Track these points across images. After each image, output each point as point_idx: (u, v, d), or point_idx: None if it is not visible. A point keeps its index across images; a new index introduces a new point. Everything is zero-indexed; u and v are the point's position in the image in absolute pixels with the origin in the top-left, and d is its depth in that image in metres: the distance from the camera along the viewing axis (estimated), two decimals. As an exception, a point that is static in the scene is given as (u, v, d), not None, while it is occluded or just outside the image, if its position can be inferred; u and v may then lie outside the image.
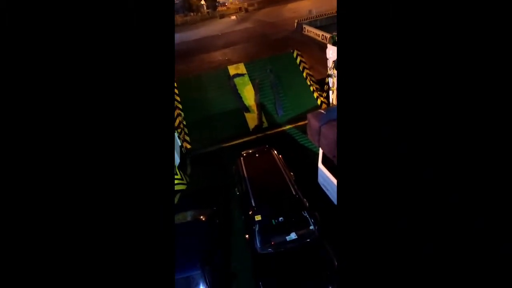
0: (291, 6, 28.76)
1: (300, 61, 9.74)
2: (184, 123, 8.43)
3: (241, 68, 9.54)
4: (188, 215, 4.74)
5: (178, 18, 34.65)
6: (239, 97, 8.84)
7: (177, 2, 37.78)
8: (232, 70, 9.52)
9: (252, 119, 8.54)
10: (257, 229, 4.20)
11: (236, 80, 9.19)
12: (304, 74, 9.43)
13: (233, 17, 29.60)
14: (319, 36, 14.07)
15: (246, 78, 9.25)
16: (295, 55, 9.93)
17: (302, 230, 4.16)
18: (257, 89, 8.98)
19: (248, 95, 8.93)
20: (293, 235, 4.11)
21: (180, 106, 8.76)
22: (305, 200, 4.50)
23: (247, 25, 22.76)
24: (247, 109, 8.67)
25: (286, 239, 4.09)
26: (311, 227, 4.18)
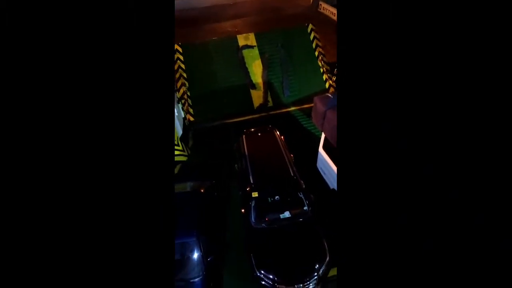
0: (309, -22, 26.84)
1: (314, 37, 9.10)
2: (188, 93, 8.20)
3: (251, 39, 8.91)
4: (188, 186, 4.88)
5: (189, -19, 32.53)
6: (246, 72, 8.49)
7: (189, -37, 35.26)
8: (241, 39, 8.91)
9: (257, 96, 8.39)
10: (253, 204, 4.36)
11: (245, 52, 8.70)
12: (316, 53, 8.91)
13: (247, -14, 27.78)
14: (334, 15, 13.34)
15: (256, 51, 8.75)
16: (309, 29, 9.23)
17: (296, 209, 4.32)
18: (266, 64, 8.58)
19: (256, 70, 8.58)
20: (287, 214, 4.28)
21: (185, 75, 8.38)
22: (302, 181, 4.61)
23: (261, -5, 21.46)
24: (253, 85, 8.43)
25: (280, 217, 4.27)
26: (305, 208, 4.34)
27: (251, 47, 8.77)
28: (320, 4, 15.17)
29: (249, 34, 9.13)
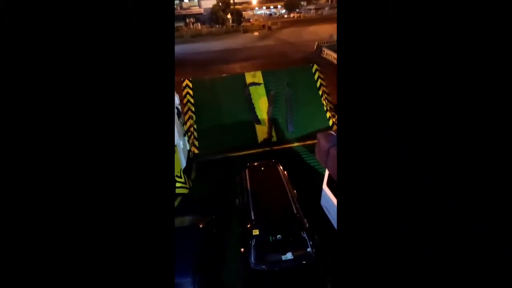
0: (312, 28, 29.60)
1: (318, 77, 9.59)
2: (195, 126, 8.48)
3: (258, 76, 9.42)
4: (186, 220, 4.71)
5: (204, 29, 36.19)
6: (252, 108, 8.86)
7: (205, 13, 39.70)
8: (248, 76, 9.43)
9: (262, 131, 8.59)
10: (253, 243, 4.11)
11: (252, 89, 9.17)
12: (320, 92, 9.33)
13: (256, 33, 30.66)
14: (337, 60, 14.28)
15: (262, 89, 9.24)
16: (314, 69, 9.76)
17: (299, 251, 4.04)
18: (271, 101, 8.98)
19: (262, 106, 8.95)
20: (289, 255, 4.00)
21: (193, 109, 8.76)
22: (305, 220, 4.41)
23: (268, 42, 23.47)
24: (258, 121, 8.70)
25: (281, 258, 3.98)
26: (309, 249, 4.06)
27: (258, 84, 9.24)
28: (323, 50, 16.44)
29: (256, 72, 9.63)
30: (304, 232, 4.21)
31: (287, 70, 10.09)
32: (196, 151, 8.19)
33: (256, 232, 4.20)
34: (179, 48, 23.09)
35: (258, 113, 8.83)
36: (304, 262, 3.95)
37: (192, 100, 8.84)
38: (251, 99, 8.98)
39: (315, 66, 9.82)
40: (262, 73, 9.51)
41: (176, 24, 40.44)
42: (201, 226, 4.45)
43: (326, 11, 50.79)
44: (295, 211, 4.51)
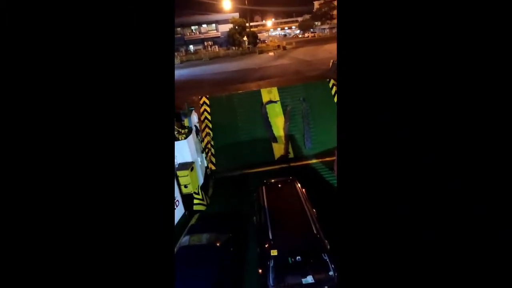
0: (327, 47, 30.08)
1: (336, 92, 9.43)
2: (212, 143, 8.62)
3: (274, 93, 9.46)
4: (203, 238, 4.66)
5: (221, 51, 38.01)
6: (269, 126, 8.88)
7: (222, 37, 41.92)
8: (265, 93, 9.49)
9: (278, 148, 8.56)
10: (271, 265, 3.95)
11: (269, 107, 9.24)
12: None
13: (271, 54, 31.66)
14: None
15: (279, 107, 9.26)
16: (330, 84, 9.63)
17: (321, 274, 3.81)
18: (288, 117, 8.94)
19: (279, 124, 8.97)
20: (309, 279, 3.78)
21: (210, 126, 8.90)
22: (326, 241, 4.20)
23: (283, 61, 24.07)
24: (275, 139, 8.65)
25: (301, 282, 3.77)
26: (331, 273, 3.82)
27: (275, 102, 9.27)
28: (338, 68, 16.49)
29: (272, 88, 9.72)
30: (326, 254, 3.99)
31: (303, 85, 9.98)
32: (213, 168, 8.28)
33: (274, 252, 4.05)
34: (198, 70, 24.27)
35: (275, 131, 8.83)
36: (326, 286, 3.71)
37: (209, 117, 9.02)
38: (267, 118, 9.02)
39: (332, 81, 9.69)
40: (278, 89, 9.56)
41: (195, 48, 42.82)
42: (218, 244, 4.38)
43: (340, 29, 51.48)
44: (315, 231, 4.32)
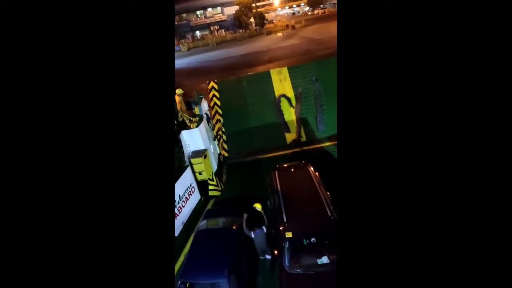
0: (339, 23, 28.40)
1: None
2: (223, 129, 8.55)
3: (284, 73, 8.98)
4: (220, 222, 4.82)
5: (228, 35, 37.11)
6: (282, 117, 8.54)
7: (228, 20, 40.74)
8: (274, 74, 9.02)
9: (290, 132, 8.46)
10: (287, 246, 4.05)
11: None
12: None
13: (280, 34, 30.50)
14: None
15: (289, 87, 8.81)
16: None
17: (335, 254, 3.87)
18: (299, 99, 8.57)
19: (291, 113, 8.67)
20: (324, 259, 3.85)
21: (220, 112, 8.69)
22: (341, 222, 4.21)
23: (293, 41, 23.18)
24: (287, 128, 8.36)
25: (317, 262, 3.85)
26: (346, 254, 3.87)
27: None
28: (351, 44, 15.70)
29: (282, 68, 9.17)
30: (340, 235, 4.02)
31: (315, 63, 9.37)
32: (226, 154, 8.37)
33: (289, 234, 4.13)
34: (206, 56, 23.96)
35: (286, 114, 8.60)
36: (341, 266, 3.78)
37: (218, 103, 8.77)
38: (281, 110, 8.63)
39: None
40: (288, 69, 9.01)
41: (202, 33, 41.98)
42: (234, 227, 4.52)
43: (352, 3, 48.41)
44: (329, 213, 4.34)
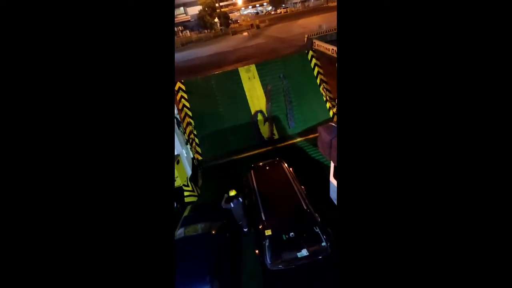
0: (301, 22, 29.46)
1: (315, 64, 9.11)
2: (195, 132, 8.36)
3: (252, 70, 9.00)
4: (199, 228, 4.71)
5: (193, 35, 36.22)
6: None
7: (192, 20, 39.75)
8: (242, 72, 9.00)
9: (263, 131, 8.56)
10: (267, 244, 4.10)
11: (249, 85, 8.78)
12: (318, 80, 8.94)
13: (245, 34, 30.61)
14: (329, 50, 14.24)
15: (259, 86, 8.76)
16: (309, 56, 9.20)
17: (314, 246, 4.02)
18: (269, 97, 8.67)
19: (261, 104, 8.65)
20: (304, 252, 3.98)
21: (190, 114, 8.43)
22: (316, 215, 4.39)
23: (258, 40, 23.40)
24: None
25: (297, 256, 3.97)
26: (323, 244, 4.04)
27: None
28: (314, 42, 16.35)
29: (250, 66, 9.17)
30: (317, 227, 4.18)
31: (282, 60, 9.50)
32: (200, 158, 8.20)
33: (268, 232, 4.19)
34: (171, 58, 23.12)
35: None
36: (320, 257, 3.94)
37: (188, 105, 8.50)
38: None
39: (311, 53, 9.27)
40: (256, 66, 9.05)
41: (165, 34, 40.33)
42: (213, 232, 4.45)
43: (312, 2, 50.54)
44: (305, 207, 4.49)
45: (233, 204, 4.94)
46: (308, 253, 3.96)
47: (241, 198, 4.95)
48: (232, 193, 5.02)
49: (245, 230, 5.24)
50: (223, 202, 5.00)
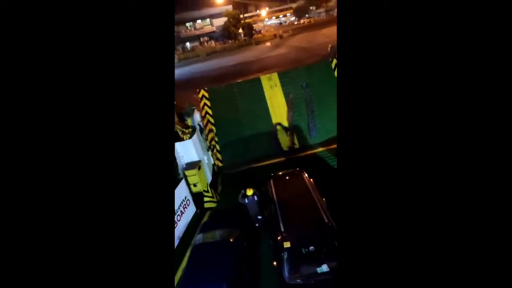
0: (325, 31, 29.33)
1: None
2: (216, 139, 8.49)
3: (274, 79, 8.97)
4: (217, 235, 4.73)
5: (218, 46, 37.56)
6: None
7: (218, 31, 41.36)
8: (264, 80, 9.00)
9: (284, 140, 8.50)
10: (285, 256, 4.00)
11: (270, 94, 8.83)
12: None
13: (268, 44, 31.09)
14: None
15: (281, 94, 8.76)
16: (333, 65, 8.96)
17: (335, 262, 3.85)
18: (291, 106, 8.61)
19: (282, 113, 8.62)
20: (324, 267, 3.82)
21: (212, 121, 8.61)
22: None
23: (281, 50, 23.63)
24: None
25: (316, 271, 3.81)
26: (345, 260, 3.85)
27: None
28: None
29: (272, 74, 9.13)
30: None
31: (304, 68, 9.38)
32: (220, 164, 8.32)
33: (287, 244, 4.09)
34: (196, 67, 24.11)
35: (278, 119, 8.53)
36: (341, 274, 3.75)
37: (210, 112, 8.66)
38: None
39: (334, 61, 8.99)
40: (278, 75, 9.02)
41: (192, 44, 42.36)
42: (231, 240, 4.45)
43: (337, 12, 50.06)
44: (326, 220, 4.34)
45: (248, 200, 5.25)
46: (328, 269, 3.79)
47: (256, 197, 5.29)
48: (249, 192, 5.27)
49: (257, 225, 5.54)
50: (239, 197, 5.34)
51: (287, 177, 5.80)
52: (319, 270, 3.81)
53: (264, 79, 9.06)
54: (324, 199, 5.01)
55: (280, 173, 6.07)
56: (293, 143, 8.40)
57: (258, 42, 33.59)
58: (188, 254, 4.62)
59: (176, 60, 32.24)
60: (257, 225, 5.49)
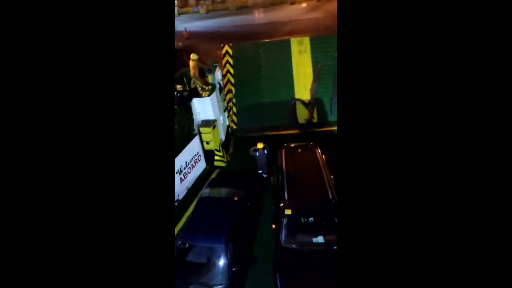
0: None
1: None
2: (234, 101, 8.28)
3: (305, 43, 8.18)
4: (223, 192, 4.97)
5: (249, 1, 34.82)
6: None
7: (251, -17, 37.85)
8: (294, 43, 8.23)
9: (303, 112, 8.23)
10: (285, 222, 4.19)
11: (297, 59, 8.19)
12: None
13: (304, 5, 28.43)
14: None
15: (308, 61, 8.07)
16: None
17: (331, 235, 3.99)
18: (317, 76, 8.02)
19: (306, 82, 8.13)
20: (320, 238, 3.99)
21: (233, 81, 8.24)
22: (341, 207, 4.28)
23: (316, 14, 21.62)
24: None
25: (312, 240, 4.00)
26: (341, 236, 3.99)
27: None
28: (379, 24, 14.56)
29: (304, 38, 8.36)
30: (337, 218, 4.11)
31: None
32: (234, 127, 8.34)
33: (288, 211, 4.24)
34: (224, 21, 22.83)
35: (301, 89, 8.12)
36: (335, 247, 3.91)
37: (232, 71, 8.21)
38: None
39: None
40: (310, 40, 8.21)
41: (222, -5, 39.43)
42: (236, 199, 4.66)
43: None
44: (330, 196, 4.40)
45: (258, 153, 6.04)
46: (323, 241, 3.96)
47: (266, 151, 5.99)
48: (260, 145, 5.96)
49: (265, 176, 6.29)
50: (251, 150, 6.08)
51: (299, 150, 5.78)
52: (314, 240, 3.99)
53: (294, 42, 8.25)
54: (332, 176, 5.01)
55: (293, 144, 6.04)
56: (312, 116, 8.14)
57: (293, 2, 30.74)
58: (193, 204, 4.93)
59: (203, 11, 30.58)
60: (264, 176, 6.25)
